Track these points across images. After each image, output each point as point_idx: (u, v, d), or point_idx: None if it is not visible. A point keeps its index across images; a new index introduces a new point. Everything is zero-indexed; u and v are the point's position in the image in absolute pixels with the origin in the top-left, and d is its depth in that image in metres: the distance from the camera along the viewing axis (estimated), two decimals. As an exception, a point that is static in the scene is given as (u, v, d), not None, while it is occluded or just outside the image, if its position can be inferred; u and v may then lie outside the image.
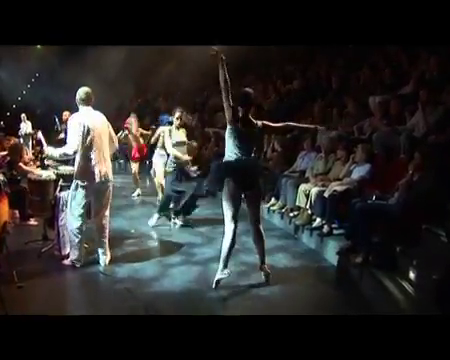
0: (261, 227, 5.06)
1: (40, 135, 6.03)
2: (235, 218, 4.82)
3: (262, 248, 5.07)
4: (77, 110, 5.42)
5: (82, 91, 5.36)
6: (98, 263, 5.52)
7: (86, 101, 5.35)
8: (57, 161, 5.79)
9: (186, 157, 7.34)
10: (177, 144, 7.23)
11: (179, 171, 7.23)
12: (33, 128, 15.95)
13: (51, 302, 4.56)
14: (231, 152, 4.86)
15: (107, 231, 5.61)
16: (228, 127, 4.90)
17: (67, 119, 9.80)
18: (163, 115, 10.02)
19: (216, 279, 4.85)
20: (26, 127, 16.15)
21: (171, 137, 7.26)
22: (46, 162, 6.01)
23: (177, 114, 7.34)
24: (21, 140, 15.70)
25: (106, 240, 5.59)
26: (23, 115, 16.39)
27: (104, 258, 5.56)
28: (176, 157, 7.18)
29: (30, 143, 15.83)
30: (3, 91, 16.82)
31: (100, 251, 5.57)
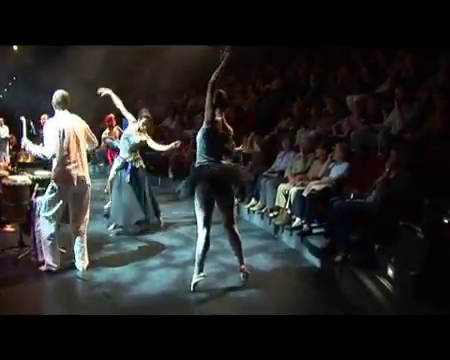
0: (236, 228, 5.02)
1: (23, 121, 5.86)
2: (208, 223, 4.80)
3: (239, 249, 5.04)
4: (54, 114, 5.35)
5: (58, 94, 5.29)
6: (76, 268, 5.44)
7: (62, 104, 5.29)
8: (32, 162, 5.70)
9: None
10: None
11: None
12: (10, 133, 15.70)
13: (28, 309, 4.47)
14: (204, 155, 4.79)
15: (85, 236, 5.53)
16: (205, 127, 4.81)
17: (44, 123, 9.71)
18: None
19: (193, 282, 4.81)
20: (3, 131, 15.87)
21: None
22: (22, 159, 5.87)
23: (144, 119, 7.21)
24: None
25: (84, 245, 5.51)
26: (0, 119, 16.13)
27: (82, 263, 5.47)
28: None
29: (7, 148, 15.56)
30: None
31: (78, 256, 5.48)
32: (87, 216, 5.54)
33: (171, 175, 11.24)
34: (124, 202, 6.94)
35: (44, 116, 10.42)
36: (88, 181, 5.42)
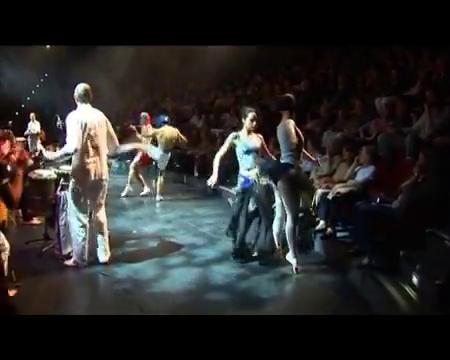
0: None
1: (41, 147, 5.92)
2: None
3: None
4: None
5: (81, 87, 5.33)
6: (97, 263, 5.48)
7: (84, 98, 5.32)
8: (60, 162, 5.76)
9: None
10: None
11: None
12: (41, 128, 16.00)
13: (49, 302, 4.52)
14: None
15: (106, 227, 5.58)
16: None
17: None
18: (160, 115, 10.03)
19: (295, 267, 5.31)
20: (34, 127, 16.19)
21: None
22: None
23: (251, 115, 5.71)
24: (29, 139, 15.79)
25: (106, 238, 5.56)
26: (32, 114, 16.46)
27: (103, 255, 5.51)
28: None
29: (38, 142, 15.87)
30: (12, 91, 16.92)
31: (100, 248, 5.53)
32: (103, 208, 5.57)
33: (197, 173, 11.24)
34: None
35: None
36: (106, 176, 5.45)
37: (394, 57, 9.25)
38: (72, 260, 5.38)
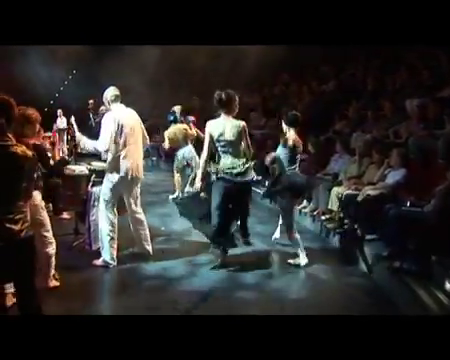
0: None
1: (73, 121, 6.05)
2: None
3: None
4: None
5: (109, 91, 5.45)
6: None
7: (116, 98, 5.42)
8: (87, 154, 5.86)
9: None
10: None
11: None
12: (68, 123, 16.23)
13: (79, 296, 4.60)
14: None
15: (146, 223, 5.70)
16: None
17: (93, 107, 9.90)
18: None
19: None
20: (61, 122, 16.44)
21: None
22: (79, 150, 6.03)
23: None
24: (57, 135, 16.04)
25: (147, 232, 5.71)
26: (59, 111, 16.70)
27: (148, 248, 5.69)
28: None
29: (65, 138, 16.10)
30: (41, 88, 17.17)
31: (143, 242, 5.67)
32: (140, 204, 5.67)
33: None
34: None
35: (92, 101, 10.58)
36: (141, 173, 5.54)
37: (425, 57, 9.10)
38: (101, 260, 5.43)
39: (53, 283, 4.68)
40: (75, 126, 5.92)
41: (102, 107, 10.71)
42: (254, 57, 13.77)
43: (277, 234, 6.52)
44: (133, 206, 5.58)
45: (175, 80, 19.70)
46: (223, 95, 5.42)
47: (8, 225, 2.90)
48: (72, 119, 6.15)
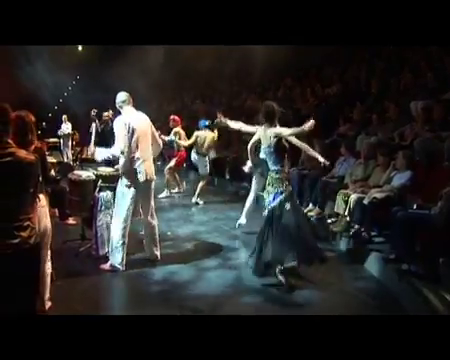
0: None
1: (93, 130, 6.07)
2: None
3: None
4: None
5: (120, 95, 5.48)
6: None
7: (127, 102, 5.45)
8: (104, 162, 5.87)
9: None
10: None
11: None
12: (73, 129, 16.28)
13: (87, 301, 4.62)
14: None
15: (157, 227, 5.75)
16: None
17: (107, 120, 10.01)
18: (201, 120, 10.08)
19: None
20: (66, 128, 16.51)
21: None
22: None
23: None
24: (61, 140, 16.12)
25: (157, 236, 5.76)
26: (64, 116, 16.78)
27: (156, 253, 5.74)
28: None
29: (70, 143, 16.17)
30: (45, 93, 17.27)
31: (153, 246, 5.71)
32: (153, 207, 5.71)
33: (228, 176, 11.26)
34: None
35: (108, 113, 10.71)
36: (153, 175, 5.58)
37: (430, 59, 9.09)
38: (109, 264, 5.43)
39: (48, 305, 4.32)
40: (93, 136, 5.94)
41: (105, 113, 10.78)
42: (258, 61, 13.82)
43: (242, 220, 6.95)
44: (146, 210, 5.62)
45: (178, 84, 19.78)
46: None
47: (16, 233, 2.85)
48: (93, 129, 6.15)
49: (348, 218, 6.36)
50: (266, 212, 5.10)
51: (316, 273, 5.48)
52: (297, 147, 5.62)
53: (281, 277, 5.01)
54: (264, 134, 5.21)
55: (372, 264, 5.59)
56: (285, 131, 5.12)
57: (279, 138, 5.12)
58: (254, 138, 5.58)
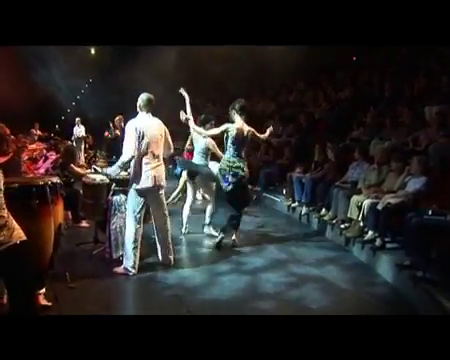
0: None
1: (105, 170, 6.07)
2: None
3: None
4: (132, 114, 5.53)
5: (144, 97, 5.43)
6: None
7: (147, 107, 5.43)
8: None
9: None
10: None
11: None
12: (86, 132, 16.37)
13: (100, 304, 4.61)
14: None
15: (170, 231, 5.72)
16: None
17: (120, 124, 10.07)
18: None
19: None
20: (79, 131, 16.61)
21: None
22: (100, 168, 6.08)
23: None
24: (74, 143, 16.21)
25: (170, 240, 5.72)
26: (78, 119, 16.86)
27: (170, 257, 5.70)
28: None
29: (82, 146, 16.27)
30: (59, 96, 17.39)
31: (165, 251, 5.68)
32: (166, 212, 5.70)
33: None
34: None
35: (119, 117, 10.77)
36: (164, 182, 5.56)
37: (444, 62, 9.02)
38: (122, 267, 5.44)
39: (44, 302, 4.34)
40: (105, 170, 5.95)
41: (116, 118, 10.81)
42: (270, 65, 13.80)
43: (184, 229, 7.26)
44: (158, 214, 5.61)
45: (190, 87, 19.80)
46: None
47: None
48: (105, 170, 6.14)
49: (361, 223, 6.33)
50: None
51: (329, 277, 5.48)
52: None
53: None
54: (241, 127, 6.38)
55: (386, 270, 5.56)
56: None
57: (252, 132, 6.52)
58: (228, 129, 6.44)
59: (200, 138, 6.99)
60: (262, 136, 6.88)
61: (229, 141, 6.37)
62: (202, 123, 7.07)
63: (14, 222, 3.31)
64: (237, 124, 6.40)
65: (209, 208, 7.22)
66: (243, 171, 6.35)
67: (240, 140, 6.35)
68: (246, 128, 6.44)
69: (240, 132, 6.33)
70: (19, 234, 3.27)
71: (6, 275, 3.19)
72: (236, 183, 6.29)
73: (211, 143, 7.03)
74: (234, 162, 6.31)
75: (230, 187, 6.30)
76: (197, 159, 7.15)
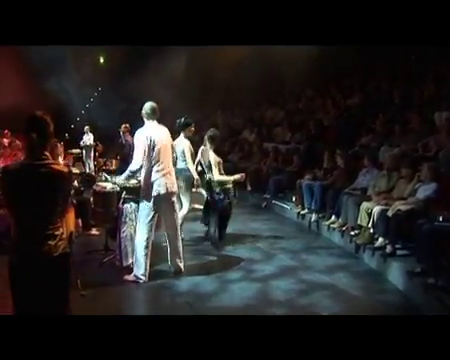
0: None
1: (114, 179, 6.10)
2: None
3: None
4: (139, 122, 5.59)
5: (148, 106, 5.51)
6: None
7: (152, 115, 5.49)
8: (115, 170, 5.93)
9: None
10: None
11: None
12: (95, 140, 16.46)
13: (110, 311, 4.61)
14: None
15: (180, 239, 5.76)
16: None
17: (126, 132, 10.10)
18: None
19: None
20: (88, 139, 16.69)
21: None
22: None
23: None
24: (83, 151, 16.31)
25: (181, 248, 5.73)
26: (86, 127, 16.96)
27: (181, 265, 5.72)
28: None
29: (92, 154, 16.34)
30: (69, 105, 17.54)
31: (177, 259, 5.70)
32: (178, 220, 5.75)
33: (249, 187, 11.24)
34: None
35: (125, 125, 10.80)
36: (175, 188, 5.60)
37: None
38: (132, 275, 5.47)
39: None
40: (112, 178, 5.99)
41: (123, 126, 10.84)
42: (278, 72, 13.82)
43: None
44: (169, 222, 5.64)
45: (199, 95, 19.86)
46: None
47: (46, 242, 2.93)
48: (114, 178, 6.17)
49: (371, 230, 6.31)
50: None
51: (339, 284, 5.46)
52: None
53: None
54: (213, 155, 7.17)
55: (397, 277, 5.53)
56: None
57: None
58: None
59: (181, 142, 6.89)
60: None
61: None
62: (182, 128, 7.00)
63: None
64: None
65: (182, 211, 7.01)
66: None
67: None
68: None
69: None
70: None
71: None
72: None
73: (187, 145, 6.96)
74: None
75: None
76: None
